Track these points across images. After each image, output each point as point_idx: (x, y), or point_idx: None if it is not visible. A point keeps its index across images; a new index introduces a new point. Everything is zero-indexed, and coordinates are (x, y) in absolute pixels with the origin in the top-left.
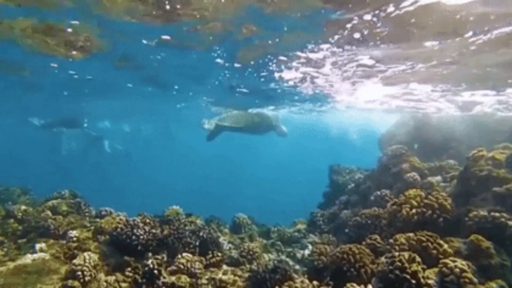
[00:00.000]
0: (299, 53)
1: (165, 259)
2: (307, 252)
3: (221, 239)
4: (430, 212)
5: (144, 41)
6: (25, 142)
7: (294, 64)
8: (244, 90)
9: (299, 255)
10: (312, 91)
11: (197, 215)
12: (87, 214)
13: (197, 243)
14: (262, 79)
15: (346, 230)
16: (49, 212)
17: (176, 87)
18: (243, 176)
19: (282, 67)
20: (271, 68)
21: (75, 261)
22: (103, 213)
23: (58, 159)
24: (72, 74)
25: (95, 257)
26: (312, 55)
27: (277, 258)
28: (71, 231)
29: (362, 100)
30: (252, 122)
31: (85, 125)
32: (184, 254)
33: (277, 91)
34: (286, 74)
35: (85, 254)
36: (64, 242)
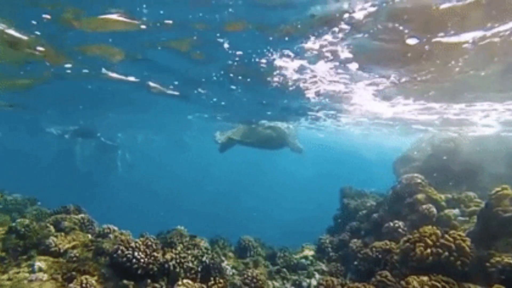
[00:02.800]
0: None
1: (164, 287)
2: (313, 282)
3: (224, 264)
4: (446, 253)
5: None
6: (40, 151)
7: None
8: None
9: (305, 284)
10: (317, 93)
11: (201, 237)
12: (90, 230)
13: (199, 269)
14: (263, 65)
15: (355, 263)
16: (52, 228)
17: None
18: (259, 187)
19: (278, 54)
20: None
21: (71, 285)
22: (106, 230)
23: (72, 167)
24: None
25: (92, 280)
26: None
27: (282, 286)
28: (71, 250)
29: (370, 111)
30: (265, 136)
31: (98, 134)
32: (184, 281)
33: (280, 87)
34: (285, 63)
35: (83, 277)
36: (64, 260)
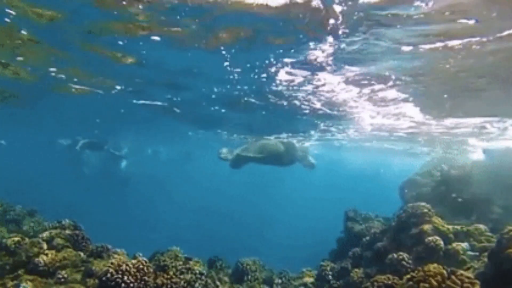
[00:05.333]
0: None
1: None
2: None
3: None
4: None
5: None
6: (46, 161)
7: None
8: (252, 100)
9: None
10: (320, 101)
11: (197, 259)
12: (84, 248)
13: None
14: (264, 79)
15: None
16: (44, 245)
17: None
18: (266, 200)
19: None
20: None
21: None
22: (99, 249)
23: (79, 177)
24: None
25: None
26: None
27: None
28: (60, 271)
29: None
30: (276, 152)
31: (106, 147)
32: None
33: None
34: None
35: None
36: (52, 281)
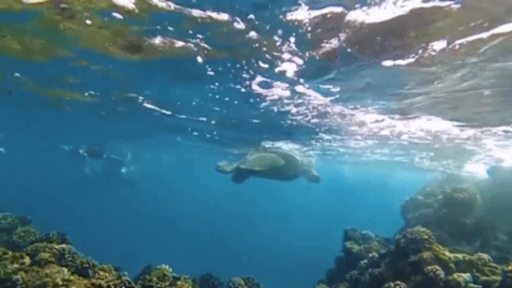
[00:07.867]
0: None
1: None
2: None
3: None
4: None
5: None
6: (47, 166)
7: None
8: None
9: None
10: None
11: (187, 277)
12: (70, 263)
13: None
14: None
15: None
16: (27, 260)
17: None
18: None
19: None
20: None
21: None
22: (85, 265)
23: (80, 181)
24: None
25: None
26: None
27: None
28: None
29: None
30: (278, 166)
31: (105, 156)
32: None
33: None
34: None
35: None
36: None
